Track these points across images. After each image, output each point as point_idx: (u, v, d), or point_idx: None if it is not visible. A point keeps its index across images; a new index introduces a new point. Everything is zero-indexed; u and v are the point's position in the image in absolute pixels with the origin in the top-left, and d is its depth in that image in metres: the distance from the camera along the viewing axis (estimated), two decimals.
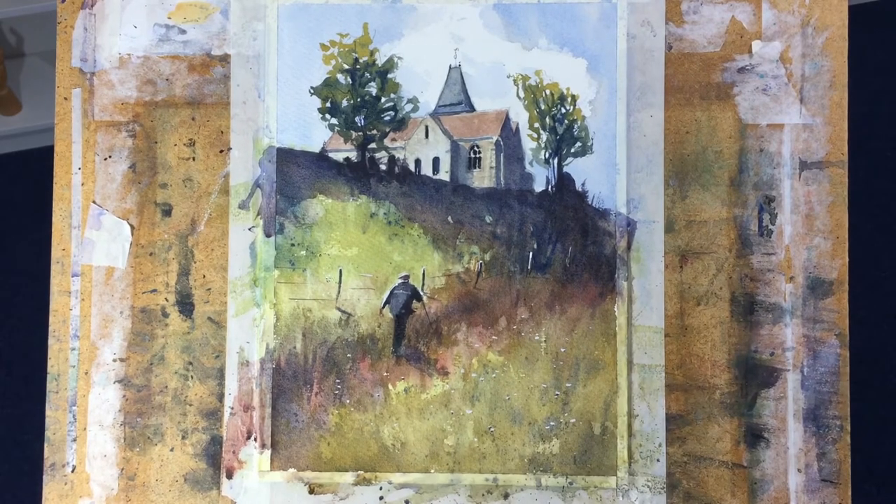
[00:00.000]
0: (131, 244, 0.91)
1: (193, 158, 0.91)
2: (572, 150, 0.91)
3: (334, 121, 0.92)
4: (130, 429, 0.90)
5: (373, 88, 0.92)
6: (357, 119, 0.92)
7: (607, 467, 0.89)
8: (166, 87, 0.92)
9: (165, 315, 0.91)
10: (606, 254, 0.91)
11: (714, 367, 0.90)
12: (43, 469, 0.90)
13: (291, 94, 0.92)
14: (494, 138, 0.92)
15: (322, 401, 0.90)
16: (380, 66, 0.92)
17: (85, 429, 0.90)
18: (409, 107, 0.92)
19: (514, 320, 0.90)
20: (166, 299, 0.91)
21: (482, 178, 0.92)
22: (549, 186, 0.91)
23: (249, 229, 0.91)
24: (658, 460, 0.89)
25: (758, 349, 0.90)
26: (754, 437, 0.90)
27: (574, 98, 0.91)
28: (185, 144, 0.92)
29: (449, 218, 0.91)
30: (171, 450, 0.90)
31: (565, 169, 0.91)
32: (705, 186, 0.90)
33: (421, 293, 0.91)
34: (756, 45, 0.90)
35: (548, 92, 0.91)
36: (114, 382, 0.90)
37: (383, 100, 0.92)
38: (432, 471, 0.89)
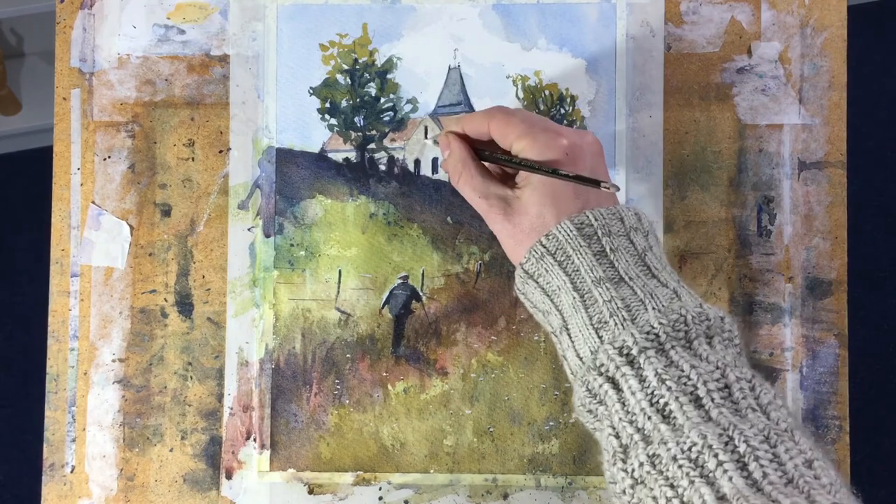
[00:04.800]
0: (130, 244, 0.91)
1: (193, 159, 0.91)
2: None
3: (333, 121, 0.92)
4: (130, 429, 0.90)
5: (372, 89, 0.92)
6: (356, 119, 0.92)
7: None
8: (165, 87, 0.92)
9: (165, 315, 0.91)
10: None
11: None
12: (42, 469, 0.90)
13: (291, 95, 0.92)
14: None
15: (321, 401, 0.90)
16: (379, 66, 0.92)
17: (84, 429, 0.90)
18: (408, 107, 0.92)
19: (514, 320, 0.90)
20: (165, 300, 0.91)
21: None
22: None
23: (249, 230, 0.91)
24: None
25: (757, 349, 0.90)
26: None
27: (573, 98, 0.91)
28: (184, 145, 0.91)
29: (448, 218, 0.91)
30: (171, 450, 0.90)
31: None
32: (704, 187, 0.90)
33: (420, 293, 0.91)
34: (755, 46, 0.90)
35: (547, 92, 0.91)
36: (113, 383, 0.90)
37: (383, 100, 0.92)
38: (431, 471, 0.89)
